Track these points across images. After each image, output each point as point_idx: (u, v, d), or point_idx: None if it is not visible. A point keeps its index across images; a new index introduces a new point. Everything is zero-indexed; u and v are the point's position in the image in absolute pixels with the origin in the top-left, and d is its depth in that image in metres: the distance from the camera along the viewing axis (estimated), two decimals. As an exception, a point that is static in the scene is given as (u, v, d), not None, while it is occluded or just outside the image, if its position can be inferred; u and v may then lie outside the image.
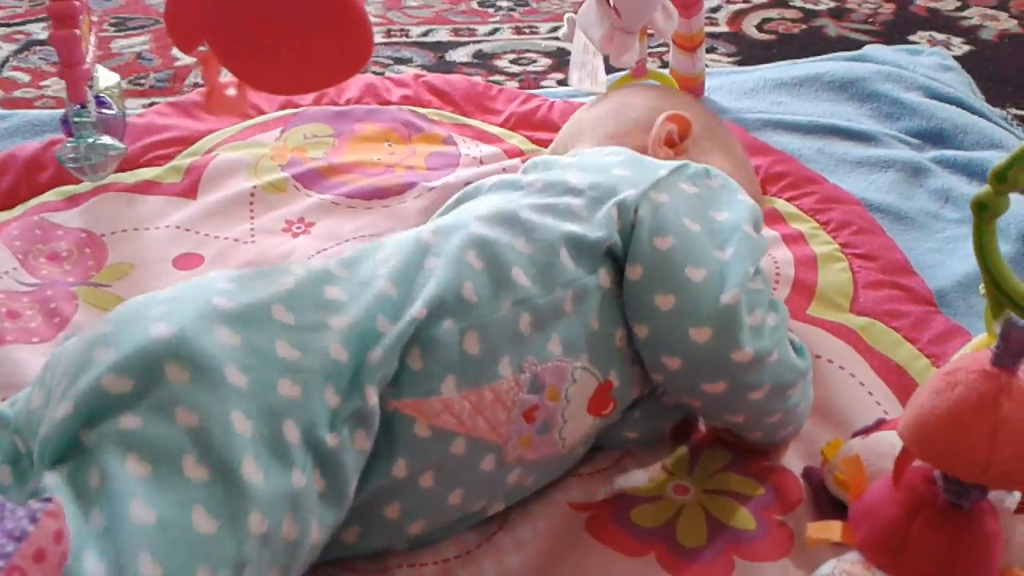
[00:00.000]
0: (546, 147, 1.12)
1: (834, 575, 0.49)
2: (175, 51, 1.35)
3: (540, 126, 1.14)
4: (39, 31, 1.41)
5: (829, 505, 0.66)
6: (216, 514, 0.51)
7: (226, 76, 0.72)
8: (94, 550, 0.47)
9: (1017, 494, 0.49)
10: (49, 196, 0.99)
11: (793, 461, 0.72)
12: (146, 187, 1.01)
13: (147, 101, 1.22)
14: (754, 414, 0.67)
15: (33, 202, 0.98)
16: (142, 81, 1.29)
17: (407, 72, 1.28)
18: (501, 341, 0.61)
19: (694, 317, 0.62)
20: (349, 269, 0.63)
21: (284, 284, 0.60)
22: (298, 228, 0.98)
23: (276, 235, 0.97)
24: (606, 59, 0.98)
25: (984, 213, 0.43)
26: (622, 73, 1.10)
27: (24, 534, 0.40)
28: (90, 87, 0.92)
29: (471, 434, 0.60)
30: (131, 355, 0.54)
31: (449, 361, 0.60)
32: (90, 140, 0.92)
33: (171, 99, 1.17)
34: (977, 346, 0.47)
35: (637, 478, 0.71)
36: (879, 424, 0.63)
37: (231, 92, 0.66)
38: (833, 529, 0.51)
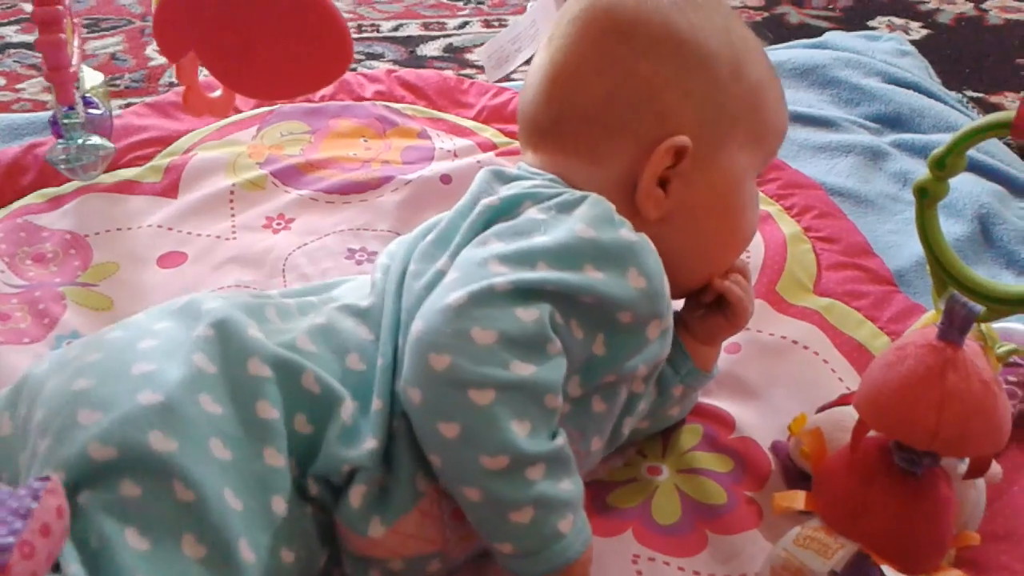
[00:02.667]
0: (518, 140, 1.15)
1: (798, 541, 0.52)
2: (149, 51, 1.37)
3: (512, 119, 1.17)
4: (13, 34, 1.41)
5: (796, 477, 0.70)
6: None
7: (203, 74, 0.74)
8: None
9: (967, 460, 0.53)
10: (32, 199, 1.00)
11: (762, 436, 0.75)
12: (127, 187, 1.03)
13: (123, 102, 1.23)
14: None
15: (16, 205, 0.99)
16: (117, 82, 1.30)
17: (379, 67, 1.30)
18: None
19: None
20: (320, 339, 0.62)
21: (252, 334, 0.59)
22: (278, 224, 1.01)
23: (257, 231, 0.99)
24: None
25: (925, 198, 0.46)
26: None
27: (29, 511, 0.42)
28: (77, 88, 0.94)
29: (406, 555, 0.59)
30: (116, 425, 0.53)
31: (373, 503, 0.59)
32: (80, 141, 0.94)
33: (147, 99, 1.18)
34: (926, 323, 0.50)
35: (613, 463, 0.73)
36: (841, 399, 0.67)
37: (217, 93, 0.68)
38: (797, 498, 0.54)
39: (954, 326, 0.46)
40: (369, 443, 0.58)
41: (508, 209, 0.64)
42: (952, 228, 0.99)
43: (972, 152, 1.07)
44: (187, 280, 0.93)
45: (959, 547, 0.60)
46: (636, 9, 0.67)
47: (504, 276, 0.57)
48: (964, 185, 1.04)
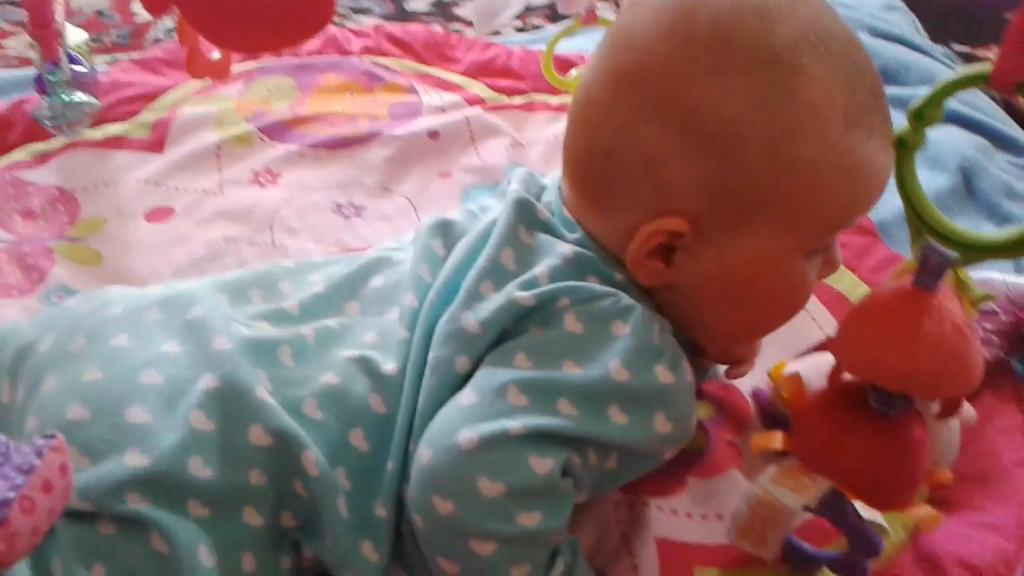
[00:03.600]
0: (506, 95, 1.15)
1: (775, 479, 0.54)
2: (135, 7, 1.36)
3: (500, 74, 1.17)
4: (-4, -11, 1.40)
5: (775, 422, 0.71)
6: None
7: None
8: None
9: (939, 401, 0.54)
10: (18, 155, 1.00)
11: (743, 383, 0.77)
12: (114, 142, 1.03)
13: (109, 58, 1.22)
14: None
15: (3, 161, 0.99)
16: (103, 38, 1.29)
17: (367, 22, 1.30)
18: None
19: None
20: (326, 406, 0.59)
21: (260, 398, 0.57)
22: (265, 179, 1.01)
23: (244, 186, 1.00)
24: (552, 8, 0.98)
25: (903, 149, 0.47)
26: (570, 21, 1.11)
27: (32, 467, 0.43)
28: (61, 45, 0.93)
29: None
30: (95, 486, 0.53)
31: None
32: (65, 98, 0.94)
33: (133, 55, 1.18)
34: (902, 271, 0.51)
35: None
36: (819, 345, 0.68)
37: (215, 55, 0.68)
38: (775, 438, 0.56)
39: (928, 272, 0.48)
40: (369, 552, 0.56)
41: (543, 308, 0.58)
42: (936, 180, 1.00)
43: (957, 105, 1.10)
44: (175, 234, 0.93)
45: (932, 485, 0.62)
46: (659, 53, 0.57)
47: (520, 419, 0.54)
48: (949, 138, 1.05)
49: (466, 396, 0.56)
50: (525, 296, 0.58)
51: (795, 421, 0.56)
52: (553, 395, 0.55)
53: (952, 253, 0.47)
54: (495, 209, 0.66)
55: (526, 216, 0.62)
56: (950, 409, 0.54)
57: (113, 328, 0.60)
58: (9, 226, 0.92)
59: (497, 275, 0.60)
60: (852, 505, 0.58)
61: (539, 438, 0.54)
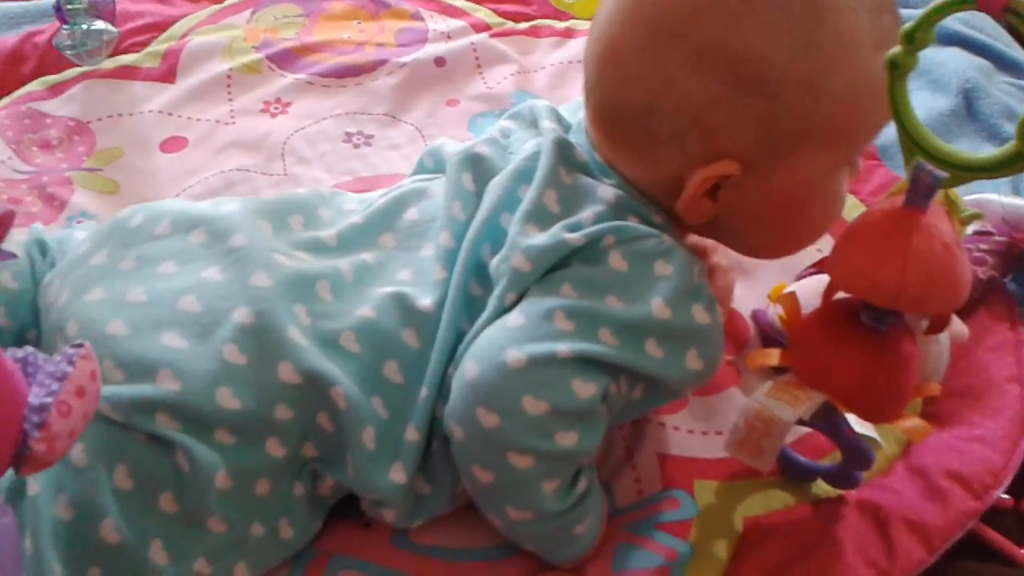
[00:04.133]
0: (512, 20, 1.15)
1: (770, 393, 0.56)
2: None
3: (504, -2, 1.17)
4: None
5: (773, 342, 0.74)
6: (170, 551, 0.55)
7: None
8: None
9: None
10: (33, 86, 1.01)
11: (743, 306, 0.79)
12: (126, 72, 1.04)
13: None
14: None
15: (18, 93, 1.01)
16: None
17: (372, -52, 1.29)
18: None
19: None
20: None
21: (291, 337, 0.58)
22: (276, 108, 1.02)
23: (255, 116, 1.01)
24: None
25: (896, 71, 0.48)
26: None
27: (65, 374, 0.45)
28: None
29: None
30: (126, 402, 0.55)
31: (406, 516, 0.62)
32: (84, 26, 0.96)
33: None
34: (895, 191, 0.53)
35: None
36: (816, 264, 0.70)
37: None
38: (772, 355, 0.58)
39: (919, 192, 0.49)
40: (397, 475, 0.59)
41: (589, 247, 0.60)
42: (937, 102, 1.01)
43: (960, 27, 1.10)
44: (189, 164, 0.95)
45: (922, 397, 0.65)
46: (695, 6, 0.57)
47: (567, 343, 0.56)
48: (951, 60, 1.05)
49: (513, 318, 0.58)
50: (575, 237, 0.59)
51: (791, 338, 0.58)
52: (597, 324, 0.57)
53: (942, 173, 0.48)
54: (521, 139, 0.67)
55: (566, 157, 0.63)
56: (939, 325, 0.56)
57: (162, 252, 0.62)
58: (28, 157, 0.94)
59: (542, 216, 0.61)
60: (844, 418, 0.60)
61: (584, 363, 0.56)
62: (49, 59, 1.02)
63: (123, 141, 0.97)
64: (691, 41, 0.57)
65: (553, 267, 0.60)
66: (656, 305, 0.58)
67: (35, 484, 0.54)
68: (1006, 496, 0.67)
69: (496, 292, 0.60)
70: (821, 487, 0.66)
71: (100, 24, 0.99)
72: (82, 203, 0.89)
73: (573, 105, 0.70)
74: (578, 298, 0.58)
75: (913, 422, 0.58)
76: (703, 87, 0.57)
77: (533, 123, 0.69)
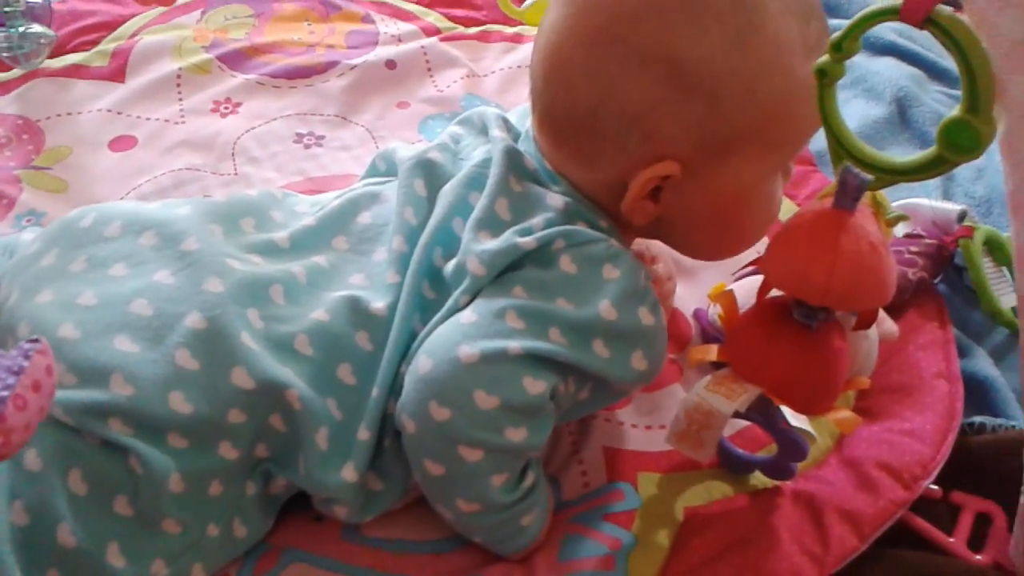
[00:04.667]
0: (463, 25, 1.17)
1: (709, 387, 0.58)
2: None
3: (455, 3, 1.19)
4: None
5: (714, 341, 0.77)
6: (126, 553, 0.56)
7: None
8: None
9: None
10: (-22, 84, 1.01)
11: (686, 306, 0.82)
12: (75, 71, 1.04)
13: (64, -15, 1.22)
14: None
15: (-37, 91, 1.00)
16: (56, -36, 1.28)
17: (322, -49, 1.30)
18: None
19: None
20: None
21: (244, 343, 0.59)
22: (226, 108, 1.03)
23: (205, 115, 1.02)
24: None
25: (824, 78, 0.51)
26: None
27: (21, 368, 0.46)
28: (16, -23, 0.94)
29: None
30: (77, 406, 0.56)
31: (357, 512, 0.63)
32: (21, 29, 0.95)
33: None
34: (825, 194, 0.55)
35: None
36: (752, 263, 0.73)
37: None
38: (710, 350, 0.60)
39: (847, 194, 0.52)
40: (348, 474, 0.59)
41: (541, 250, 0.62)
42: (872, 110, 1.05)
43: (895, 37, 1.14)
44: (139, 163, 0.95)
45: (852, 389, 0.67)
46: (635, 7, 0.59)
47: (518, 340, 0.58)
48: (885, 69, 1.09)
49: (467, 315, 0.59)
50: (527, 240, 0.61)
51: (728, 334, 0.61)
52: (547, 323, 0.59)
53: (868, 176, 0.51)
54: (471, 146, 0.69)
55: (515, 166, 0.65)
56: (866, 321, 0.59)
57: (113, 254, 0.62)
58: (-26, 155, 0.94)
59: (493, 223, 0.63)
60: (780, 411, 0.63)
61: (534, 360, 0.58)
62: (-4, 57, 1.02)
63: (72, 140, 0.97)
64: (631, 45, 0.59)
65: (505, 269, 0.62)
66: (603, 307, 0.60)
67: None
68: (935, 487, 0.69)
69: (452, 295, 0.62)
70: (758, 478, 0.69)
71: (37, 27, 0.99)
72: (31, 202, 0.89)
73: (521, 111, 0.72)
74: (529, 298, 0.60)
75: (843, 414, 0.61)
76: (643, 90, 0.59)
77: (483, 130, 0.70)
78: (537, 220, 0.63)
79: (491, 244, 0.61)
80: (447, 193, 0.66)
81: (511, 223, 0.63)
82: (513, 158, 0.65)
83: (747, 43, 0.59)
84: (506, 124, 0.69)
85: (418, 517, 0.64)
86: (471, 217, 0.63)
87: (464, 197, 0.65)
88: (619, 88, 0.60)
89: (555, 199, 0.64)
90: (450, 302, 0.62)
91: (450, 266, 0.63)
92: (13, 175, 0.91)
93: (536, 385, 0.58)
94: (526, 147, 0.67)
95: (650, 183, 0.62)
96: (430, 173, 0.68)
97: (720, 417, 0.59)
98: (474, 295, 0.61)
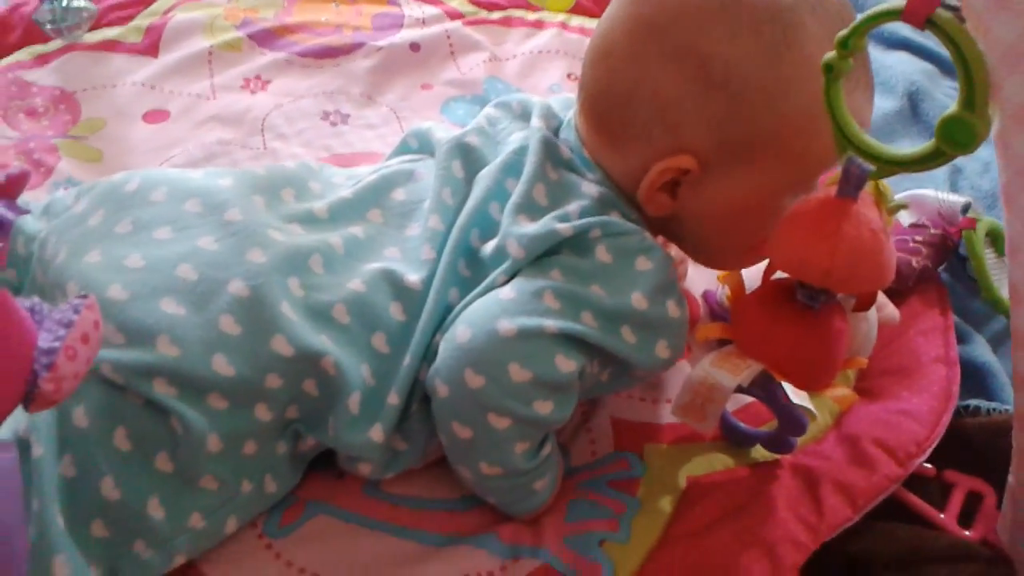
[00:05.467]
0: (486, 10, 1.20)
1: (714, 362, 0.61)
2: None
3: (479, -13, 1.22)
4: None
5: (722, 320, 0.80)
6: (166, 507, 0.59)
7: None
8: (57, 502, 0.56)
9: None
10: (20, 55, 1.05)
11: (696, 287, 0.85)
12: (110, 45, 1.07)
13: (99, -39, 1.25)
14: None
15: (5, 61, 1.04)
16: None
17: (350, -67, 1.33)
18: None
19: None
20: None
21: (285, 311, 0.61)
22: (255, 85, 1.06)
23: (235, 91, 1.05)
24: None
25: (831, 73, 0.53)
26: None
27: (71, 322, 0.49)
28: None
29: None
30: (127, 365, 0.58)
31: (381, 468, 0.66)
32: (64, 2, 0.99)
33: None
34: (830, 182, 0.58)
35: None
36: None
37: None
38: (716, 328, 0.64)
39: (849, 183, 0.55)
40: (376, 435, 0.62)
41: (578, 238, 0.64)
42: (884, 103, 1.07)
43: (908, 33, 1.16)
44: (171, 136, 0.99)
45: (851, 368, 0.70)
46: (678, 5, 0.63)
47: (554, 320, 0.61)
48: (898, 64, 1.11)
49: (506, 292, 0.63)
50: (565, 227, 0.64)
51: (734, 313, 0.64)
52: (581, 306, 0.62)
53: (869, 166, 0.54)
54: (508, 130, 0.72)
55: (551, 154, 0.68)
56: (865, 303, 0.62)
57: (157, 218, 0.65)
58: (15, 124, 0.97)
59: (532, 208, 0.66)
60: (781, 387, 0.66)
61: (568, 340, 0.61)
62: (35, 30, 1.05)
63: (107, 112, 1.00)
64: (670, 38, 0.62)
65: (543, 254, 0.65)
66: (635, 297, 0.63)
67: (39, 446, 0.57)
68: (928, 465, 0.72)
69: (490, 274, 0.65)
70: (759, 451, 0.72)
71: (79, 1, 1.03)
72: (68, 170, 0.92)
73: (564, 101, 0.75)
74: (566, 282, 0.63)
75: (841, 391, 0.64)
76: (674, 81, 0.62)
77: (522, 116, 0.73)
78: (573, 207, 0.65)
79: (530, 228, 0.64)
80: (484, 177, 0.69)
81: (548, 208, 0.66)
82: (549, 147, 0.68)
83: (780, 55, 0.61)
84: (549, 113, 0.72)
85: (436, 476, 0.68)
86: (510, 202, 0.66)
87: (501, 183, 0.68)
88: (653, 76, 0.63)
89: (590, 187, 0.67)
90: (488, 280, 0.65)
91: (489, 247, 0.66)
92: (51, 144, 0.95)
93: (568, 364, 0.61)
94: (566, 135, 0.70)
95: (666, 173, 0.65)
96: (468, 156, 0.71)
97: (723, 391, 0.62)
98: (512, 275, 0.64)
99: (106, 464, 0.58)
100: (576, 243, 0.65)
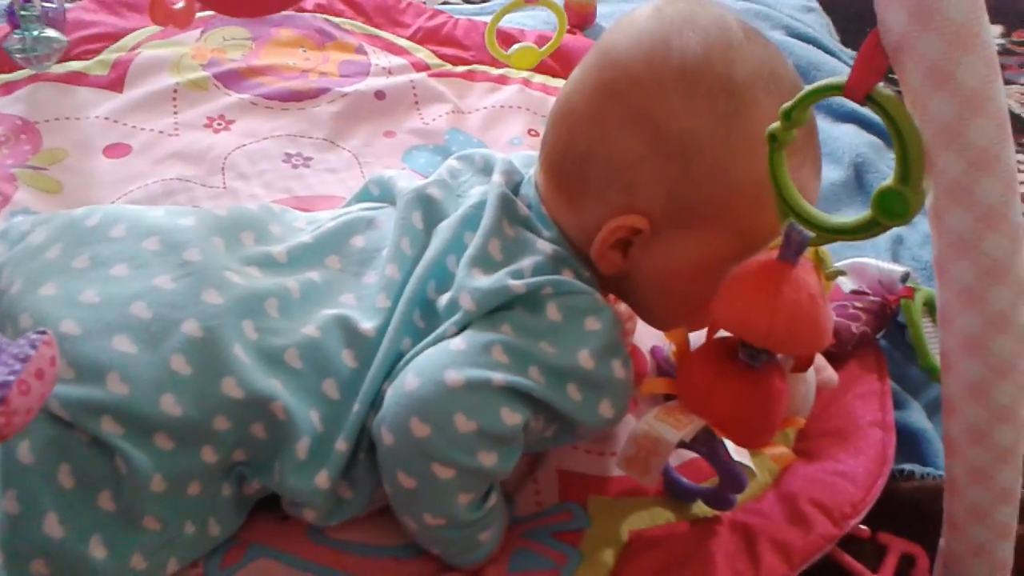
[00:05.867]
0: (451, 63, 1.22)
1: (658, 416, 0.63)
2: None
3: (445, 42, 1.24)
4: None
5: (668, 376, 0.81)
6: (108, 546, 0.59)
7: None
8: None
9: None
10: (-17, 84, 1.05)
11: (644, 342, 0.87)
12: (75, 78, 1.08)
13: (69, -6, 1.26)
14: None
15: (-33, 89, 1.04)
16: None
17: (321, -20, 1.35)
18: None
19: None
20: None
21: (236, 354, 0.62)
22: (219, 124, 1.07)
23: (199, 130, 1.06)
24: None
25: (774, 143, 0.56)
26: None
27: (27, 356, 0.49)
28: (34, -19, 0.98)
29: None
30: (75, 402, 0.59)
31: (325, 516, 0.66)
32: (36, 32, 1.00)
33: (94, -6, 1.22)
34: (772, 246, 0.60)
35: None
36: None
37: (179, 5, 0.74)
38: (661, 383, 0.65)
39: (790, 248, 0.57)
40: (322, 481, 0.63)
41: (530, 295, 0.66)
42: (830, 173, 1.11)
43: (855, 106, 1.20)
44: (131, 170, 0.99)
45: (789, 427, 0.72)
46: (639, 73, 0.65)
47: (502, 373, 0.62)
48: (845, 135, 1.15)
49: (456, 343, 0.64)
50: (517, 284, 0.65)
51: (678, 369, 0.65)
52: (528, 362, 0.63)
53: (810, 233, 0.56)
54: (469, 183, 0.74)
55: (509, 211, 0.69)
56: (803, 364, 0.64)
57: (115, 254, 0.65)
58: (-27, 151, 0.97)
59: (485, 262, 0.67)
60: (723, 444, 0.67)
61: (514, 394, 0.62)
62: (2, 57, 1.05)
63: (68, 143, 1.01)
64: (628, 102, 0.65)
65: (495, 308, 0.66)
66: (583, 356, 0.64)
67: None
68: (864, 527, 0.73)
69: (442, 325, 0.66)
70: (700, 507, 0.73)
71: (51, 32, 1.04)
72: (25, 200, 0.92)
73: (526, 158, 0.76)
74: (515, 337, 0.64)
75: (779, 450, 0.66)
76: (630, 144, 0.65)
77: (484, 170, 0.75)
78: (527, 263, 0.67)
79: (484, 282, 0.66)
80: (443, 230, 0.70)
81: (502, 263, 0.67)
82: (507, 203, 0.70)
83: (732, 126, 0.64)
84: (510, 168, 0.74)
85: (380, 523, 0.68)
86: (465, 255, 0.68)
87: (460, 236, 0.69)
88: (611, 138, 0.66)
89: (544, 245, 0.68)
90: (439, 330, 0.66)
91: (444, 299, 0.67)
92: (9, 173, 0.95)
93: (513, 417, 0.62)
94: (526, 191, 0.72)
95: (618, 231, 0.67)
96: (428, 207, 0.72)
97: (666, 445, 0.63)
98: (463, 327, 0.65)
99: (50, 501, 0.58)
100: (528, 300, 0.66)
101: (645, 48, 0.66)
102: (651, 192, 0.66)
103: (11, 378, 0.48)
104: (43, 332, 0.51)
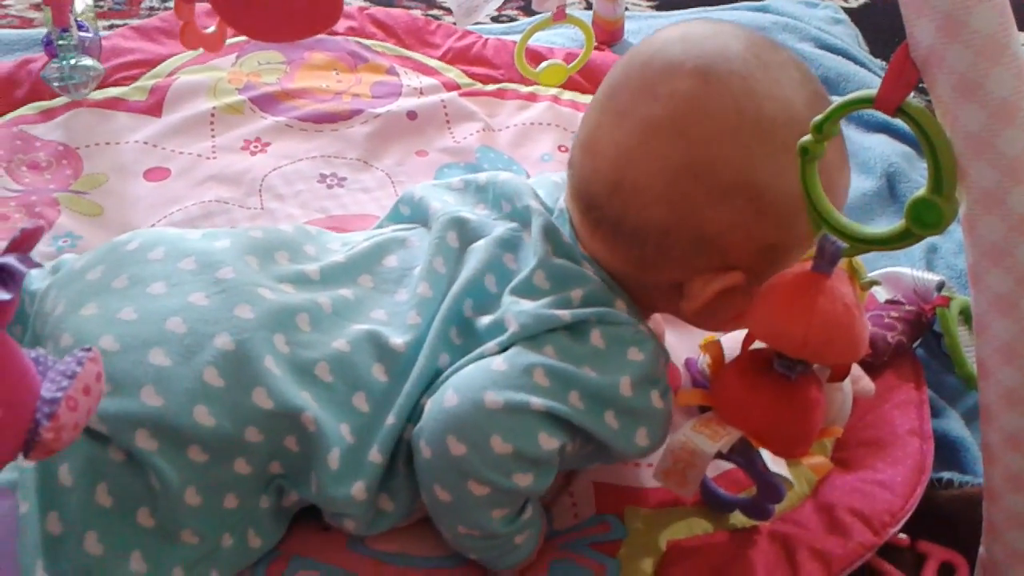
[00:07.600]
0: (481, 82, 1.24)
1: (695, 427, 0.63)
2: (132, -26, 1.42)
3: (475, 61, 1.26)
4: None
5: (702, 387, 0.82)
6: (148, 561, 0.60)
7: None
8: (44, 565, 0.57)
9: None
10: (25, 110, 1.07)
11: (678, 354, 0.87)
12: (114, 104, 1.10)
13: (106, 23, 1.29)
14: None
15: (10, 116, 1.06)
16: (101, 3, 1.36)
17: (352, 4, 1.37)
18: None
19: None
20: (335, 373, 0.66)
21: (268, 367, 0.63)
22: (255, 147, 1.09)
23: (236, 152, 1.08)
24: (527, 1, 1.06)
25: (806, 156, 0.56)
26: (542, 17, 1.20)
27: (75, 373, 0.50)
28: (71, 12, 1.01)
29: None
30: (113, 416, 0.60)
31: (365, 526, 0.67)
32: (73, 61, 1.02)
33: (130, 22, 1.25)
34: (806, 258, 0.61)
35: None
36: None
37: (211, 29, 0.76)
38: (697, 395, 0.66)
39: (824, 259, 0.57)
40: (358, 491, 0.63)
41: (575, 327, 0.66)
42: (863, 183, 1.11)
43: (887, 117, 1.20)
44: (171, 193, 1.01)
45: (826, 437, 0.72)
46: (722, 150, 0.63)
47: (541, 398, 0.62)
48: (877, 145, 1.15)
49: (497, 363, 0.64)
50: (564, 314, 0.66)
51: (714, 381, 0.66)
52: (569, 386, 0.64)
53: (843, 244, 0.57)
54: (491, 215, 0.75)
55: (554, 243, 0.69)
56: (840, 374, 0.64)
57: (153, 275, 0.66)
58: (17, 177, 0.99)
59: (531, 290, 0.68)
60: (760, 455, 0.68)
61: (552, 419, 0.63)
62: (42, 86, 1.08)
63: (108, 168, 1.03)
64: (714, 179, 0.64)
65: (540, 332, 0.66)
66: (623, 382, 0.65)
67: (24, 503, 0.59)
68: (903, 535, 0.73)
69: (483, 343, 0.66)
70: (738, 518, 0.73)
71: (87, 61, 1.06)
72: (68, 224, 0.94)
73: (548, 186, 0.76)
74: (558, 360, 0.64)
75: (817, 459, 0.66)
76: (723, 216, 0.64)
77: (509, 199, 0.74)
78: (576, 292, 0.67)
79: (530, 307, 0.66)
80: (479, 249, 0.71)
81: (548, 291, 0.68)
82: (552, 236, 0.70)
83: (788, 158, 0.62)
84: (547, 197, 0.74)
85: (421, 534, 0.69)
86: (510, 285, 0.68)
87: (499, 256, 0.70)
88: (699, 215, 0.65)
89: (593, 275, 0.69)
90: (482, 347, 0.66)
91: (485, 320, 0.68)
92: (52, 197, 0.97)
93: (550, 442, 0.63)
94: (560, 224, 0.71)
95: (716, 290, 0.67)
96: (463, 228, 0.73)
97: (704, 456, 0.63)
98: (505, 347, 0.66)
99: (90, 520, 0.59)
100: (573, 327, 0.66)
101: (719, 117, 0.63)
102: (747, 251, 0.66)
103: (59, 394, 0.50)
104: (88, 349, 0.52)
